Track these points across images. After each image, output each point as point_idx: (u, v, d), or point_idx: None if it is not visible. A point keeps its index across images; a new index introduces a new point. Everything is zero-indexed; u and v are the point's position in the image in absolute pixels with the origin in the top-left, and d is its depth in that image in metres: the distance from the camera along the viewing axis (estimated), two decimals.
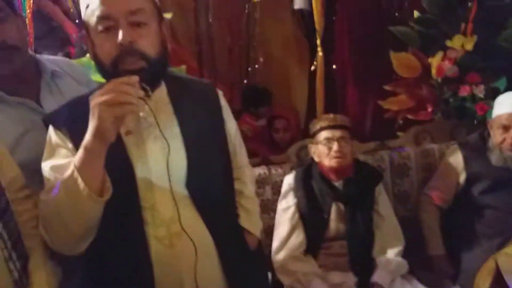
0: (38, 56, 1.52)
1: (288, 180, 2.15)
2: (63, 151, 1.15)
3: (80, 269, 1.26)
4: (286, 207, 2.09)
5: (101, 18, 1.09)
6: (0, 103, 1.36)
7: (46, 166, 1.14)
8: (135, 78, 1.00)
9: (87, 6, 1.13)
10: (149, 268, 1.16)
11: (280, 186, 2.21)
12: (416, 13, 2.55)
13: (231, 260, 1.27)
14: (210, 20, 2.74)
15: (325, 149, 2.02)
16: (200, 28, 2.74)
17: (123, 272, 1.17)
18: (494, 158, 2.07)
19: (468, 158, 2.15)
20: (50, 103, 1.39)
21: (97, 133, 0.99)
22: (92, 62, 1.19)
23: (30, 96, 1.41)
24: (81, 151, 1.02)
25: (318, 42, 2.66)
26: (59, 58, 1.61)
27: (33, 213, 1.23)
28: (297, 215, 2.06)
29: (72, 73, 1.57)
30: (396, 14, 2.86)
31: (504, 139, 2.03)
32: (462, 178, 2.16)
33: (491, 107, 2.19)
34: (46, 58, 1.55)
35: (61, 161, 1.13)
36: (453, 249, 2.14)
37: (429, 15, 2.54)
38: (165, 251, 1.17)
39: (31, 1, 2.26)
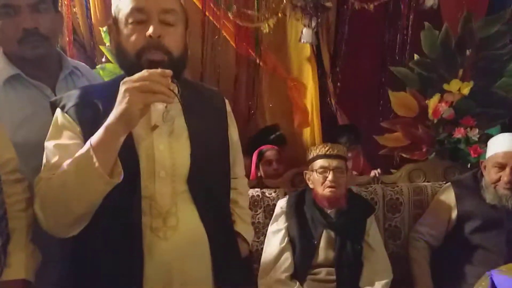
0: (62, 53, 1.62)
1: (281, 203, 2.16)
2: (69, 133, 1.17)
3: (61, 255, 1.25)
4: (276, 230, 2.09)
5: (135, 10, 1.16)
6: (16, 81, 1.43)
7: (50, 145, 1.16)
8: (169, 72, 1.04)
9: None
10: (140, 257, 1.15)
11: (272, 210, 2.23)
12: (416, 56, 2.64)
13: (223, 261, 1.28)
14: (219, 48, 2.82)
15: (319, 178, 2.04)
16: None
17: (114, 260, 1.16)
18: (489, 197, 2.08)
19: (460, 196, 2.17)
20: None
21: (124, 116, 1.01)
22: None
23: (47, 84, 1.48)
24: (101, 131, 1.03)
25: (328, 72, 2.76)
26: (80, 62, 1.71)
27: (22, 196, 1.25)
28: (286, 239, 2.06)
29: (89, 76, 1.67)
30: (397, 57, 2.94)
31: (499, 178, 2.05)
32: (454, 215, 2.17)
33: (485, 151, 2.23)
34: (70, 59, 1.66)
35: (66, 141, 1.15)
36: (442, 287, 2.11)
37: (429, 59, 2.62)
38: (159, 243, 1.17)
39: None
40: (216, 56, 2.80)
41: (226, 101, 1.44)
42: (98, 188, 1.04)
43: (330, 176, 2.01)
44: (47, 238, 1.15)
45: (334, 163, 2.04)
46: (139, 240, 1.16)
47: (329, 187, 2.01)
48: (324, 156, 2.07)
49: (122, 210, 1.15)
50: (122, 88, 1.02)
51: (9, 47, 1.43)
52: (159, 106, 1.18)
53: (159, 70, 1.04)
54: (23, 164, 1.29)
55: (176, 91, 1.10)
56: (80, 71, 1.63)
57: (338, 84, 2.96)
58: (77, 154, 1.04)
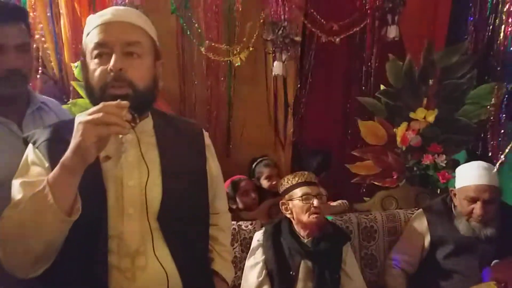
0: (30, 87, 1.58)
1: (258, 236, 2.14)
2: (37, 169, 1.14)
3: None
4: (254, 264, 2.07)
5: (98, 44, 1.14)
6: None
7: (16, 182, 1.12)
8: (125, 103, 1.02)
9: (88, 34, 1.18)
10: None
11: (249, 243, 2.21)
12: (382, 86, 2.73)
13: None
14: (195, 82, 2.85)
15: (304, 205, 2.02)
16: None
17: None
18: (462, 228, 2.10)
19: (432, 222, 2.21)
20: (31, 131, 1.40)
21: (78, 151, 0.98)
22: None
23: (13, 119, 1.44)
24: (58, 167, 1.01)
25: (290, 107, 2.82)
26: (48, 98, 1.67)
27: None
28: (264, 272, 2.03)
29: (57, 111, 1.63)
30: (363, 88, 3.04)
31: (471, 210, 2.07)
32: (427, 241, 2.21)
33: (453, 177, 2.30)
34: (38, 94, 1.62)
35: (33, 178, 1.11)
36: None
37: (394, 89, 2.71)
38: (126, 284, 1.13)
39: None
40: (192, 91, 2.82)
41: (206, 133, 1.41)
42: (54, 226, 1.01)
43: (315, 202, 2.01)
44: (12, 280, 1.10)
45: (316, 189, 2.06)
46: (105, 282, 1.11)
47: (315, 213, 2.01)
48: (305, 183, 2.08)
49: (87, 250, 1.10)
50: (76, 122, 1.00)
51: None
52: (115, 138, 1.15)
53: (114, 102, 1.02)
54: None
55: (135, 121, 1.07)
56: (48, 106, 1.60)
57: (300, 115, 3.04)
58: (34, 192, 1.02)
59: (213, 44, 2.70)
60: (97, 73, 1.14)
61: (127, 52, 1.14)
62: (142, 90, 1.16)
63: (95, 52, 1.15)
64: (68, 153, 1.00)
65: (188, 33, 2.69)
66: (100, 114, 0.98)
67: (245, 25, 2.76)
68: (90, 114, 0.99)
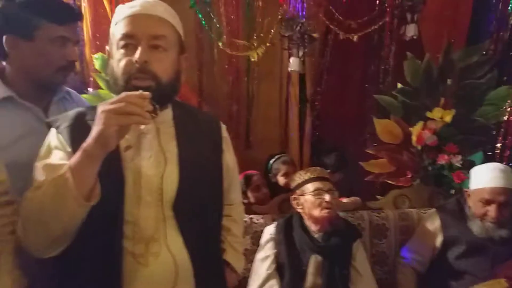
0: None
1: (269, 230, 2.15)
2: (60, 153, 1.17)
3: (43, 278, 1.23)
4: (264, 257, 2.09)
5: (125, 35, 1.18)
6: (9, 103, 1.46)
7: (39, 165, 1.15)
8: (147, 94, 1.04)
9: (116, 23, 1.21)
10: (119, 284, 1.14)
11: (260, 236, 2.21)
12: (399, 85, 2.71)
13: None
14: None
15: (316, 200, 2.03)
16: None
17: (93, 285, 1.15)
18: (476, 229, 2.09)
19: (445, 222, 2.20)
20: None
21: (99, 138, 1.01)
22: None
23: (40, 106, 1.52)
24: (79, 153, 1.03)
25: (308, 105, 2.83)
26: (70, 89, 1.75)
27: (11, 219, 1.23)
28: (273, 266, 2.05)
29: (79, 103, 1.71)
30: (381, 86, 3.03)
31: (485, 212, 2.05)
32: (439, 241, 2.19)
33: (468, 177, 2.27)
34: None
35: (55, 161, 1.14)
36: None
37: (411, 88, 2.69)
38: (139, 269, 1.16)
39: None
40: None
41: (223, 126, 1.43)
42: (73, 210, 1.04)
43: (327, 197, 2.02)
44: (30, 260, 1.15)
45: (327, 185, 2.07)
46: (119, 266, 1.14)
47: (326, 208, 2.02)
48: (317, 178, 2.09)
49: (103, 234, 1.13)
50: (99, 110, 1.03)
51: (45, 71, 1.49)
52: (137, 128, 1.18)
53: (137, 92, 1.04)
54: (10, 184, 1.28)
55: (156, 113, 1.08)
56: (71, 97, 1.68)
57: (316, 112, 3.05)
58: (55, 175, 1.05)
59: (231, 39, 2.72)
60: (122, 63, 1.17)
61: (152, 45, 1.17)
62: (165, 83, 1.19)
63: (122, 42, 1.18)
64: (89, 139, 1.03)
65: (207, 27, 2.72)
66: (122, 104, 1.01)
67: (264, 21, 2.77)
68: (112, 103, 1.02)
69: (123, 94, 1.04)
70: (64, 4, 1.52)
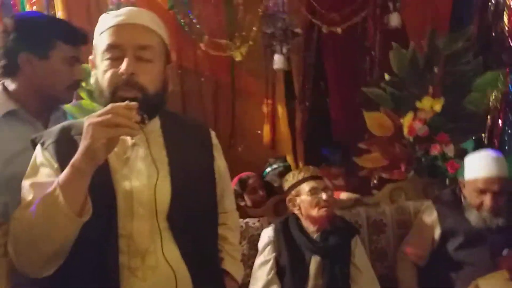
0: None
1: (268, 233, 2.12)
2: (46, 170, 1.13)
3: None
4: (264, 262, 2.05)
5: (110, 46, 1.14)
6: (12, 117, 1.50)
7: (26, 184, 1.12)
8: (134, 104, 1.02)
9: (100, 33, 1.17)
10: None
11: (256, 240, 2.18)
12: (387, 76, 2.68)
13: None
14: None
15: (313, 199, 2.01)
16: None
17: None
18: (473, 219, 2.08)
19: (442, 214, 2.19)
20: None
21: (88, 153, 0.98)
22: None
23: (41, 121, 1.57)
24: (68, 169, 1.01)
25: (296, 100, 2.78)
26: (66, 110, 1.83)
27: (1, 241, 1.21)
28: (273, 271, 2.02)
29: None
30: (368, 78, 2.99)
31: (481, 202, 2.05)
32: (437, 234, 2.18)
33: (461, 166, 2.26)
34: None
35: (42, 179, 1.11)
36: None
37: (399, 78, 2.66)
38: (137, 284, 1.12)
39: None
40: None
41: (213, 133, 1.40)
42: (65, 227, 1.01)
43: (324, 196, 2.00)
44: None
45: (322, 183, 2.05)
46: (116, 281, 1.11)
47: (324, 206, 2.00)
48: (311, 178, 2.07)
49: (98, 250, 1.10)
50: (85, 123, 1.01)
51: (55, 88, 1.56)
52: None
53: (124, 103, 1.02)
54: (10, 199, 1.29)
55: (144, 122, 1.06)
56: (66, 118, 1.70)
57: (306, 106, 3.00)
58: (44, 193, 1.02)
59: (213, 39, 2.65)
60: (107, 75, 1.14)
61: (139, 56, 1.14)
62: (152, 94, 1.16)
63: (107, 54, 1.14)
64: (77, 154, 1.01)
65: (186, 29, 2.65)
66: (109, 116, 0.98)
67: (245, 18, 2.71)
68: (99, 116, 0.99)
69: (110, 105, 1.01)
70: (76, 28, 1.62)
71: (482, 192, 2.04)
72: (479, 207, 2.06)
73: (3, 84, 1.57)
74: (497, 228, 2.05)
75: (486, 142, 2.72)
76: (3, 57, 1.52)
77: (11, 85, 1.55)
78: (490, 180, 2.03)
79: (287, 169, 2.77)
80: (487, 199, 2.03)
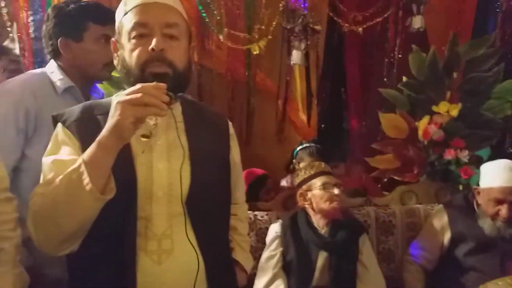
0: None
1: (275, 228, 2.12)
2: (68, 148, 1.14)
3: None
4: (270, 256, 2.05)
5: (138, 24, 1.15)
6: (69, 92, 1.68)
7: (47, 160, 1.12)
8: (163, 85, 1.02)
9: (125, 13, 1.18)
10: (133, 281, 1.10)
11: (264, 233, 2.18)
12: (404, 78, 2.66)
13: None
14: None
15: (325, 194, 2.01)
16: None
17: (106, 282, 1.11)
18: (487, 228, 2.06)
19: (453, 218, 2.16)
20: None
21: (115, 130, 0.99)
22: None
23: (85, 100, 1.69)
24: (93, 146, 1.01)
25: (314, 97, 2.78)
26: None
27: (11, 216, 1.24)
28: (279, 265, 2.02)
29: None
30: (385, 79, 2.97)
31: (497, 212, 2.03)
32: (447, 238, 2.16)
33: (475, 173, 2.23)
34: None
35: (64, 157, 1.12)
36: None
37: (417, 81, 2.63)
38: (152, 267, 1.13)
39: None
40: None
41: (230, 123, 1.41)
42: (88, 205, 1.01)
43: (336, 191, 2.01)
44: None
45: (333, 179, 2.06)
46: (133, 264, 1.11)
47: (336, 201, 2.00)
48: (323, 173, 2.07)
49: (116, 231, 1.11)
50: (114, 102, 1.01)
51: (93, 67, 1.71)
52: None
53: (152, 83, 1.03)
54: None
55: (172, 103, 1.07)
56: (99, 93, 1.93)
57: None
58: (68, 169, 1.02)
59: (232, 32, 2.65)
60: (135, 53, 1.15)
61: (166, 33, 1.15)
62: (181, 70, 1.18)
63: (134, 32, 1.16)
64: (105, 131, 1.01)
65: (207, 20, 2.65)
66: (139, 95, 0.99)
67: (265, 13, 2.70)
68: (128, 94, 0.99)
69: (139, 85, 1.02)
70: (104, 7, 1.73)
71: (499, 201, 2.02)
72: (494, 216, 2.04)
73: (55, 62, 1.70)
74: (510, 237, 2.02)
75: (503, 151, 2.67)
76: (49, 42, 1.69)
77: (62, 66, 1.70)
78: (508, 190, 2.00)
79: (318, 150, 2.77)
80: (504, 209, 2.00)
